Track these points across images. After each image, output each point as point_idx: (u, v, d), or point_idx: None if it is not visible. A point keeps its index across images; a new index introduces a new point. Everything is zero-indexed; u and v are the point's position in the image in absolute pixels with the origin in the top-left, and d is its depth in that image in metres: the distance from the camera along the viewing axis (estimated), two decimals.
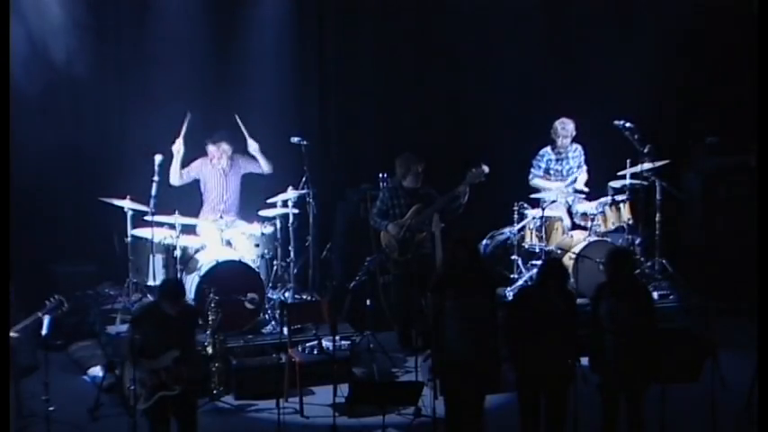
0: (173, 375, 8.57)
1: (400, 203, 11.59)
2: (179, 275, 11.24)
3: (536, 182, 12.35)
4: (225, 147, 11.74)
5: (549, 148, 12.36)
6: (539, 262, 11.81)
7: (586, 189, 12.39)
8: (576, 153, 12.40)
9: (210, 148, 11.74)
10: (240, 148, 11.86)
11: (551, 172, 12.35)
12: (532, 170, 12.38)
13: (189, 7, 12.45)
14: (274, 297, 11.67)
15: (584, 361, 8.65)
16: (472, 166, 11.44)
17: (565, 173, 12.38)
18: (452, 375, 8.76)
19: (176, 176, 11.68)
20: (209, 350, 10.39)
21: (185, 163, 11.73)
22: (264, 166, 11.84)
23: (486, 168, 11.42)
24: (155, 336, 8.60)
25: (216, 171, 11.82)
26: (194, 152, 11.81)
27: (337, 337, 10.39)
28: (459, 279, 8.73)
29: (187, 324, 8.76)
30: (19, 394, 9.73)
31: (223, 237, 11.66)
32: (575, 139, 12.32)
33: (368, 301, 11.38)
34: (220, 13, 12.64)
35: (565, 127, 12.22)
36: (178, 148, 11.59)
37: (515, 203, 12.24)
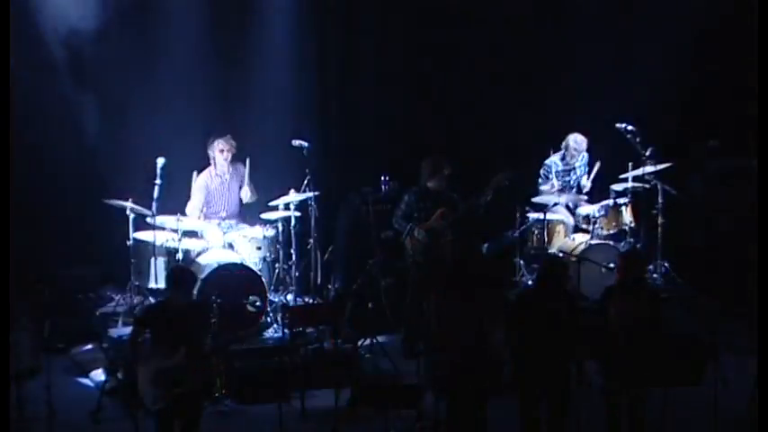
0: (187, 371, 8.55)
1: (426, 206, 11.56)
2: None
3: (543, 190, 12.33)
4: (232, 141, 11.76)
5: (557, 158, 12.35)
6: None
7: (585, 197, 12.41)
8: (582, 162, 12.43)
9: (221, 143, 11.73)
10: (239, 158, 11.90)
11: (558, 181, 12.36)
12: (540, 180, 12.38)
13: (191, 10, 12.46)
14: (276, 300, 11.68)
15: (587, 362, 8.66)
16: (498, 170, 11.48)
17: (572, 182, 12.40)
18: (454, 378, 8.77)
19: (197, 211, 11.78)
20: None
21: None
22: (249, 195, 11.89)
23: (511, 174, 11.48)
24: (165, 334, 8.59)
25: (217, 179, 11.83)
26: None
27: (339, 340, 10.38)
28: (462, 281, 8.75)
29: (196, 319, 8.74)
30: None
31: (225, 240, 11.68)
32: None
33: (370, 304, 11.38)
34: (223, 16, 12.65)
35: (578, 147, 12.24)
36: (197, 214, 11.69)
37: (518, 206, 12.25)
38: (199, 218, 11.66)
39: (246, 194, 11.84)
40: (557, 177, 12.34)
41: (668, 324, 9.04)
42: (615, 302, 8.81)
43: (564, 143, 12.32)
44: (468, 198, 11.49)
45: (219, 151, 11.73)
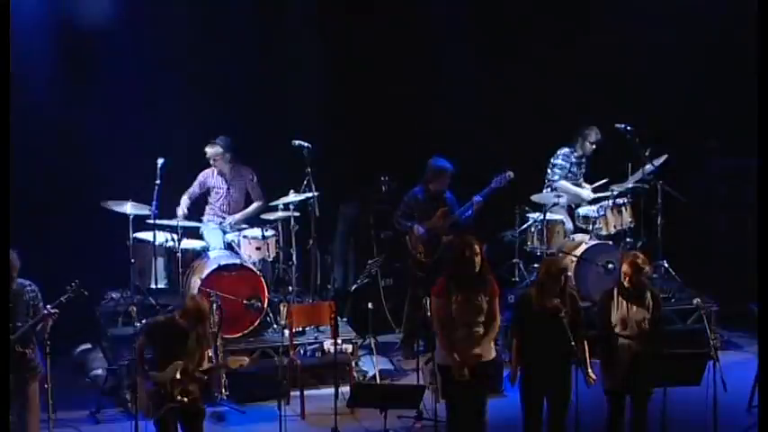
0: (179, 387, 8.54)
1: (427, 207, 11.65)
2: (181, 278, 11.30)
3: (562, 183, 12.29)
4: (218, 149, 11.75)
5: (567, 150, 12.32)
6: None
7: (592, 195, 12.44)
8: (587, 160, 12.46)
9: (208, 151, 11.77)
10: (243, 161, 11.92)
11: (569, 175, 12.35)
12: (557, 170, 12.29)
13: (190, 11, 12.45)
14: (276, 300, 11.68)
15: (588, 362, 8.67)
16: (498, 170, 11.51)
17: (579, 176, 12.41)
18: (455, 378, 8.77)
19: (184, 206, 11.79)
20: (211, 353, 10.39)
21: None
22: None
23: (510, 174, 11.49)
24: (165, 348, 8.59)
25: (219, 177, 11.84)
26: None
27: (339, 340, 10.39)
28: (463, 281, 8.75)
29: (196, 336, 8.71)
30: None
31: (225, 239, 11.69)
32: None
33: (369, 304, 11.38)
34: (221, 16, 12.64)
35: (600, 137, 12.21)
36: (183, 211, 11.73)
37: (517, 206, 12.24)
38: (183, 206, 11.72)
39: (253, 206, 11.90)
40: (570, 169, 12.31)
41: (667, 323, 9.04)
42: (617, 303, 8.80)
43: (582, 135, 12.23)
44: (469, 199, 11.56)
45: (213, 161, 11.79)
